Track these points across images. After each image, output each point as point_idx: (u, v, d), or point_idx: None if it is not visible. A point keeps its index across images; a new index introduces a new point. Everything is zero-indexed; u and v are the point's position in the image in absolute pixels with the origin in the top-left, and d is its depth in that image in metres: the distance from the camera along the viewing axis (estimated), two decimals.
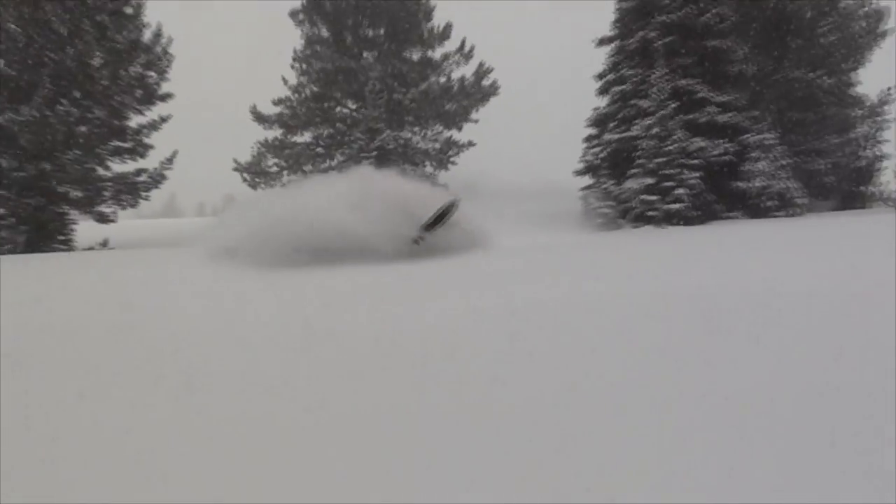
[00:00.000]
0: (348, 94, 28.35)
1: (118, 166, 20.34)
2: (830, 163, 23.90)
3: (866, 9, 28.70)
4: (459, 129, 29.44)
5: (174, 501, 1.82)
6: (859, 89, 26.59)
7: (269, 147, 28.18)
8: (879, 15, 29.08)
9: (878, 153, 26.10)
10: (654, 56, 19.56)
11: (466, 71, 29.21)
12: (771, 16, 23.96)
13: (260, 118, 28.22)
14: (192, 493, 1.85)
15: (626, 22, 21.05)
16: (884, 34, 28.69)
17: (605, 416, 2.28)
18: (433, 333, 3.68)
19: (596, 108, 21.47)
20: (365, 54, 28.85)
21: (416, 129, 29.09)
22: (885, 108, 26.80)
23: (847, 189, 24.89)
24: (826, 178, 23.59)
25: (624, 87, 20.26)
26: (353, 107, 28.38)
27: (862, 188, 25.77)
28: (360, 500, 1.78)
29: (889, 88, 26.81)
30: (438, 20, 29.12)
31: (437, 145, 29.07)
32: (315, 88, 28.38)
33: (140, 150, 20.57)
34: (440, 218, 8.37)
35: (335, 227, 7.15)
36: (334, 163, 27.54)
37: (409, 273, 6.60)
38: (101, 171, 19.82)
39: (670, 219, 17.96)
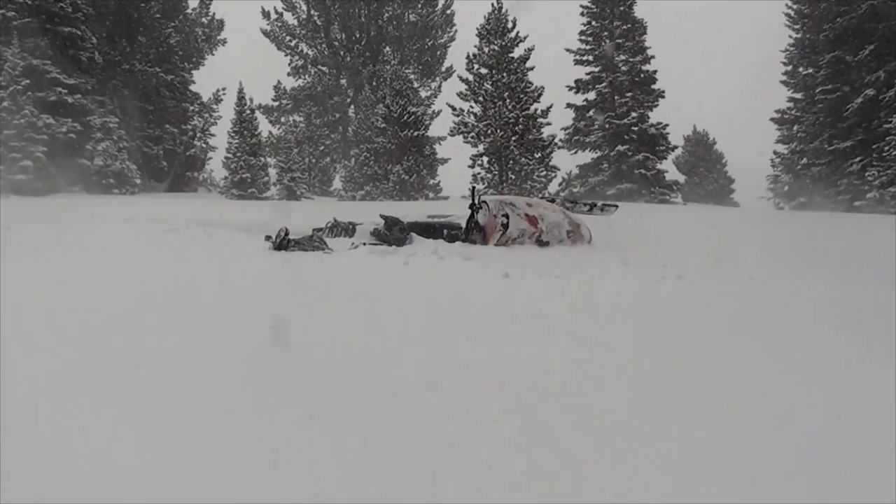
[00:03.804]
0: None
1: None
2: (165, 149, 28.06)
3: (206, 18, 33.83)
4: None
5: None
6: (196, 87, 31.37)
7: None
8: (219, 25, 34.47)
9: (207, 145, 31.37)
10: (10, 34, 20.52)
11: None
12: (123, 11, 26.80)
13: None
14: None
15: None
16: (221, 41, 34.19)
17: None
18: None
19: None
20: None
21: None
22: (216, 105, 32.12)
23: (180, 174, 29.40)
24: (161, 163, 27.66)
25: None
26: None
27: (193, 174, 30.69)
28: None
29: (221, 89, 32.00)
30: None
31: None
32: None
33: None
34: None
35: None
36: None
37: None
38: None
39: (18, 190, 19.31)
